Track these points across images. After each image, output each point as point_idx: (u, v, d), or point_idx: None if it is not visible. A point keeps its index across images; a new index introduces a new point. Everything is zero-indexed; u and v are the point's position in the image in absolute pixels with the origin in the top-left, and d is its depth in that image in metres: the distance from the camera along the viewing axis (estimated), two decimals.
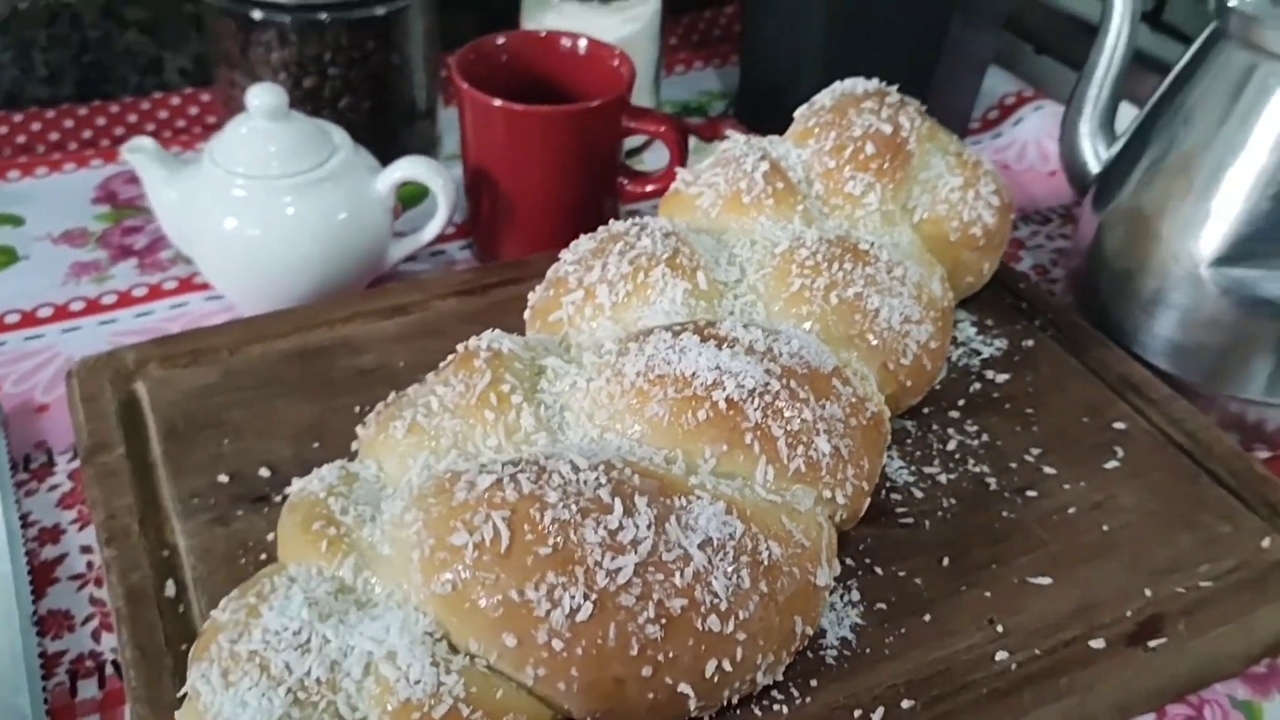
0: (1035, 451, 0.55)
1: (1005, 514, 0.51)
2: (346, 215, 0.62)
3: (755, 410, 0.44)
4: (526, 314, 0.54)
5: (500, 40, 0.69)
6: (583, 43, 0.70)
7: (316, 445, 0.52)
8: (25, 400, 0.59)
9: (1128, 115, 0.65)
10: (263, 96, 0.61)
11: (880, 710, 0.43)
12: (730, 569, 0.40)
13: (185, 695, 0.38)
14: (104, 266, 0.69)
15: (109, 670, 0.47)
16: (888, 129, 0.58)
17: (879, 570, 0.48)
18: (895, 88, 0.62)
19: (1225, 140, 0.57)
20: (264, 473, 0.51)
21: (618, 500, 0.39)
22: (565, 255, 0.54)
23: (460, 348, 0.47)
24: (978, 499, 0.52)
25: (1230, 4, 0.56)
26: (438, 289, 0.62)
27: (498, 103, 0.63)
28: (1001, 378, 0.59)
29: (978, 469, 0.53)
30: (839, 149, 0.58)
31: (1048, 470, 0.54)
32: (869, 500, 0.47)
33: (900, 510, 0.51)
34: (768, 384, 0.44)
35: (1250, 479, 0.53)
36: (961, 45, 0.80)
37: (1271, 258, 0.56)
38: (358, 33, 0.70)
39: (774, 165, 0.57)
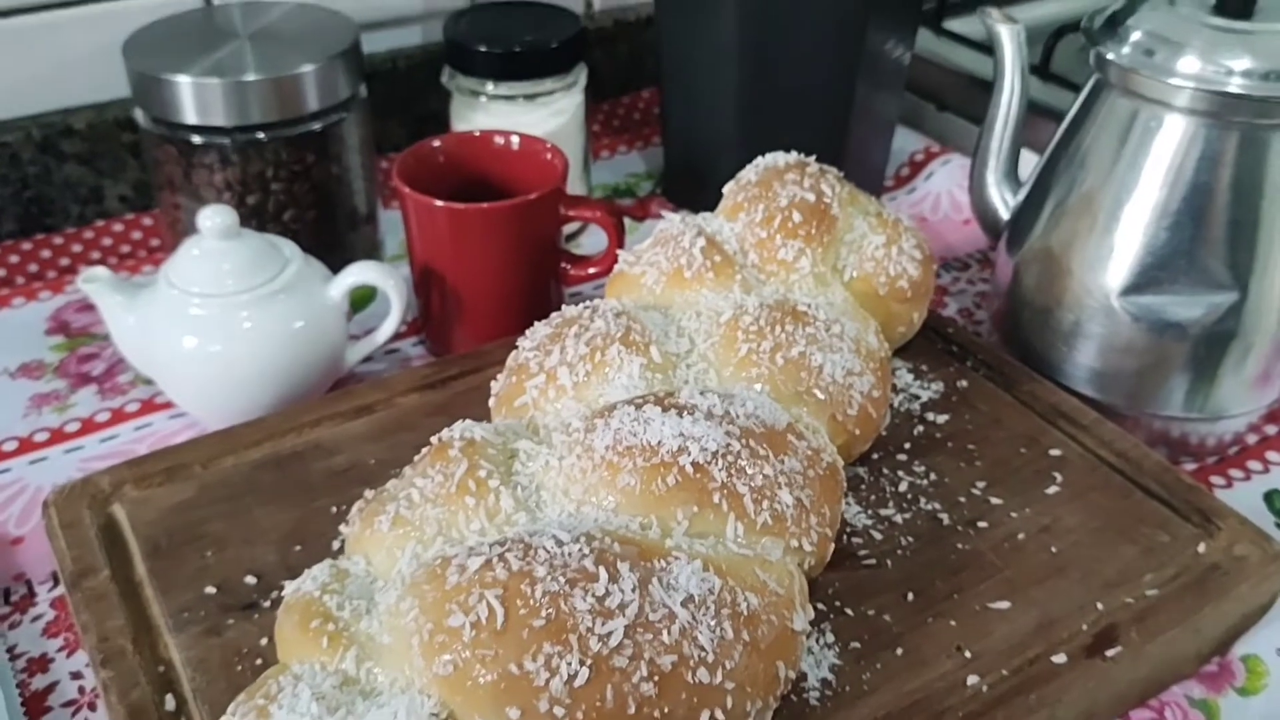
0: (981, 484, 0.57)
1: (960, 546, 0.54)
2: (304, 324, 0.64)
3: (720, 471, 0.46)
4: (491, 402, 0.56)
5: (436, 143, 0.72)
6: (515, 139, 0.73)
7: (298, 548, 0.53)
8: None
9: (1029, 162, 0.69)
10: (214, 218, 0.62)
11: None
12: (713, 622, 0.42)
13: None
14: (64, 395, 0.70)
15: None
16: (811, 197, 0.62)
17: (849, 611, 0.51)
18: (814, 157, 0.65)
19: (1119, 180, 0.61)
20: (250, 580, 0.52)
21: (602, 568, 0.41)
22: (523, 343, 0.57)
23: (434, 440, 0.49)
24: (933, 535, 0.55)
25: (1109, 57, 0.60)
26: (400, 386, 0.64)
27: (440, 204, 0.66)
28: (942, 418, 0.62)
29: (929, 506, 0.56)
30: (768, 219, 0.61)
31: (994, 501, 0.56)
32: (833, 546, 0.49)
33: (863, 553, 0.54)
34: (729, 445, 0.47)
35: (1180, 490, 0.57)
36: (869, 109, 0.84)
37: (1174, 283, 0.59)
38: (297, 147, 0.73)
39: (710, 240, 0.60)
